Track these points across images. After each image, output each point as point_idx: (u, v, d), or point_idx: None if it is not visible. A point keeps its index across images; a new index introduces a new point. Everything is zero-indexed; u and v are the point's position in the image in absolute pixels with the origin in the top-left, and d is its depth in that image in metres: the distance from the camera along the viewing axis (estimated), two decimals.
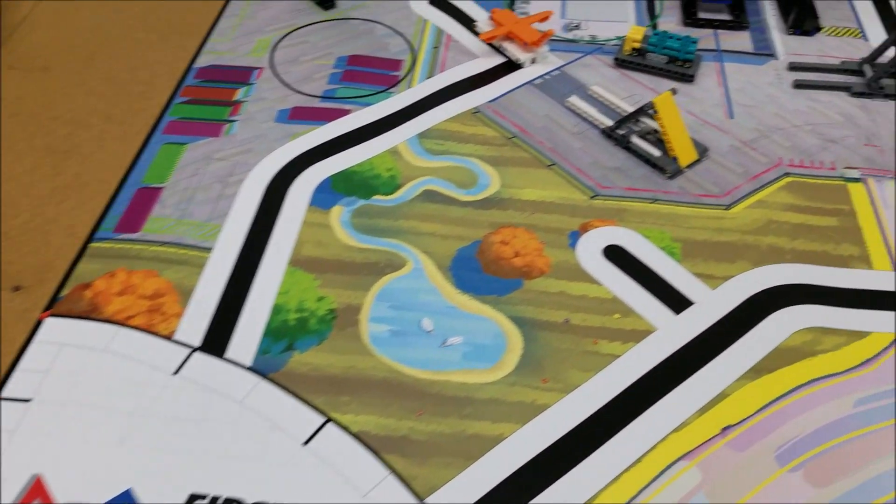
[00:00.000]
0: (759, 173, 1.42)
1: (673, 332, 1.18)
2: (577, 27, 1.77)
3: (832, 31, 1.74)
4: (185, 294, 1.21)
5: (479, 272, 1.26)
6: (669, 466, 1.03)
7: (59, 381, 1.10)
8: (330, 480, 1.01)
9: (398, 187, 1.39)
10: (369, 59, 1.68)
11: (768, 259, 1.28)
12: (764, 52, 1.69)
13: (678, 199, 1.38)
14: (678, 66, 1.61)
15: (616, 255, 1.29)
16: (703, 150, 1.45)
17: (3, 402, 1.07)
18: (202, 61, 1.66)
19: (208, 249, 1.28)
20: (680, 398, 1.10)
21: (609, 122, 1.50)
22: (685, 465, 1.03)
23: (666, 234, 1.32)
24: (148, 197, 1.37)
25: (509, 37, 1.66)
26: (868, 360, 1.15)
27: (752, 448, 1.05)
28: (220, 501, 0.98)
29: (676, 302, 1.22)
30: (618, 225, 1.34)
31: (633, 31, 1.63)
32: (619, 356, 1.15)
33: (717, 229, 1.33)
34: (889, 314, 1.20)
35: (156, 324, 1.17)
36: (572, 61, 1.68)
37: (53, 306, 1.19)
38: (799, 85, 1.59)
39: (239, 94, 1.59)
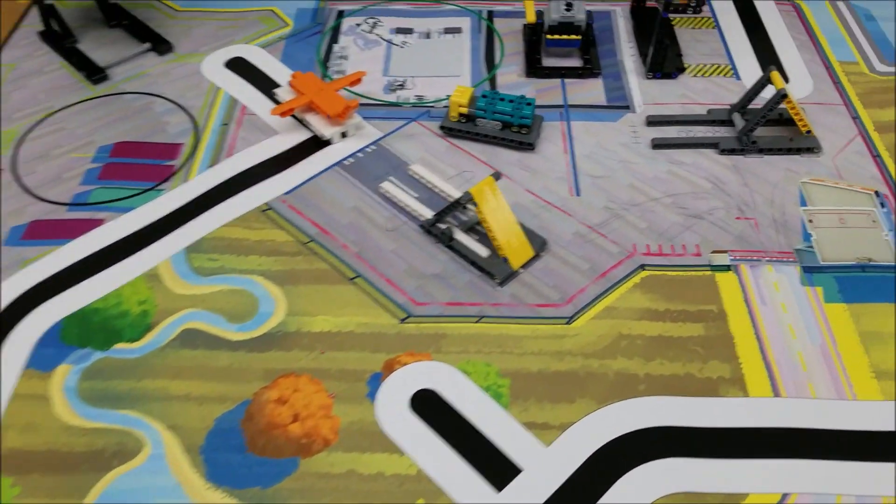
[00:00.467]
0: (608, 269, 1.15)
1: None
2: (401, 86, 1.48)
3: (699, 71, 1.49)
4: None
5: (241, 451, 0.95)
6: None
7: None
8: None
9: (149, 329, 1.07)
10: (139, 147, 1.35)
11: (618, 392, 1.00)
12: (618, 103, 1.42)
13: (509, 315, 1.10)
14: (514, 132, 1.33)
15: (427, 404, 1.00)
16: (540, 244, 1.17)
17: None
18: None
19: None
20: None
21: (428, 214, 1.22)
22: None
23: (492, 367, 1.04)
24: None
25: (312, 108, 1.37)
26: None
27: None
28: None
29: (500, 471, 0.93)
30: (433, 359, 1.05)
31: (457, 93, 1.34)
32: None
33: (556, 354, 1.05)
34: (775, 464, 0.94)
35: None
36: (393, 131, 1.38)
37: None
38: (658, 145, 1.33)
39: None
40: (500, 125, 1.32)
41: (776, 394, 1.00)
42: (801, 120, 1.29)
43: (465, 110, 1.32)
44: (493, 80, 1.48)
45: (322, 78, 1.47)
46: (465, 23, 1.61)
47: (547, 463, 0.94)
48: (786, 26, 1.60)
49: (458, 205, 1.18)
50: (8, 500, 0.90)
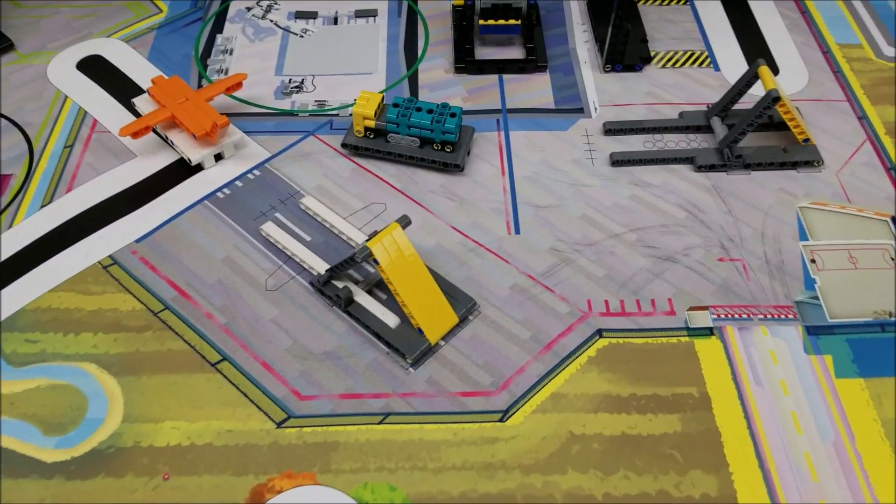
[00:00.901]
0: (555, 338, 0.88)
1: None
2: (298, 88, 1.18)
3: (668, 61, 1.21)
4: None
5: None
6: None
7: None
8: None
9: None
10: None
11: None
12: (569, 105, 1.14)
13: (424, 411, 0.82)
14: (436, 150, 1.05)
15: None
16: (468, 306, 0.90)
17: None
18: None
19: None
20: None
21: (321, 269, 0.94)
22: None
23: (397, 493, 0.77)
24: None
25: (177, 122, 1.07)
26: None
27: None
28: None
29: None
30: (319, 481, 0.78)
31: (361, 101, 1.03)
32: None
33: (485, 468, 0.78)
34: None
35: None
36: (284, 150, 1.10)
37: None
38: (619, 161, 1.06)
39: None
40: (417, 141, 1.04)
41: None
42: (797, 126, 1.02)
43: (371, 123, 1.03)
44: (414, 78, 1.19)
45: (199, 80, 1.17)
46: (381, 3, 1.31)
47: None
48: (773, 1, 1.33)
49: (362, 252, 0.90)
50: None
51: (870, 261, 0.93)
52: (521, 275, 0.93)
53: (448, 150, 1.03)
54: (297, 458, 0.78)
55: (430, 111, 1.01)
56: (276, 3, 1.29)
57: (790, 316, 0.88)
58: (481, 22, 1.17)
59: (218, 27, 1.26)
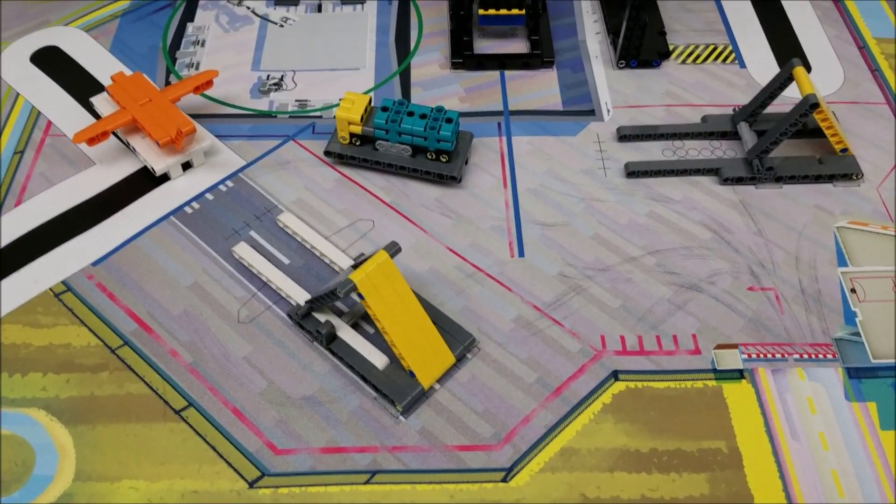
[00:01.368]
0: (564, 381, 0.78)
1: None
2: (277, 85, 1.07)
3: (689, 56, 1.09)
4: None
5: None
6: None
7: None
8: None
9: None
10: None
11: None
12: (578, 107, 1.02)
13: (416, 468, 0.73)
14: (430, 160, 0.94)
15: None
16: (465, 343, 0.79)
17: None
18: None
19: None
20: None
21: (300, 298, 0.84)
22: None
23: None
24: None
25: (138, 126, 0.96)
26: None
27: None
28: None
29: None
30: None
31: (346, 104, 0.91)
32: None
33: None
34: None
35: None
36: (260, 157, 0.99)
37: None
38: (633, 173, 0.96)
39: None
40: (409, 149, 0.93)
41: None
42: (834, 135, 0.92)
43: (357, 129, 0.92)
44: (406, 75, 1.07)
45: (167, 75, 1.05)
46: None
47: None
48: None
49: (336, 296, 0.79)
50: None
51: None
52: (526, 305, 0.83)
53: (443, 159, 0.91)
54: None
55: (423, 116, 0.90)
56: None
57: (829, 356, 0.78)
58: (481, 11, 1.05)
59: (189, 15, 1.13)
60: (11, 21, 1.13)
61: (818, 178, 0.92)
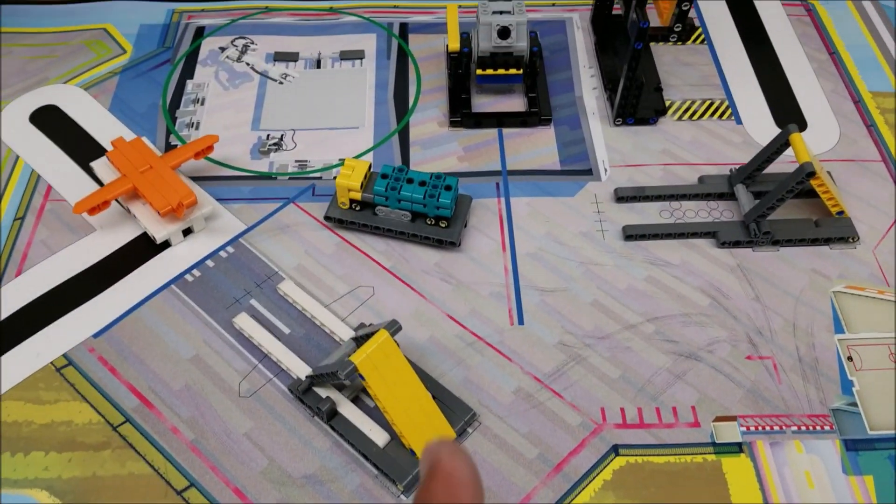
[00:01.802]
0: (565, 457, 0.78)
1: None
2: (277, 145, 1.07)
3: (685, 111, 1.10)
4: None
5: None
6: None
7: None
8: None
9: None
10: None
11: None
12: (576, 166, 1.03)
13: None
14: (429, 225, 0.95)
15: None
16: (466, 418, 0.79)
17: None
18: None
19: None
20: None
21: (301, 372, 0.84)
22: None
23: None
24: None
25: (139, 194, 0.96)
26: None
27: None
28: None
29: None
30: None
31: (346, 171, 0.92)
32: None
33: None
34: None
35: None
36: (260, 222, 0.99)
37: None
38: (632, 236, 0.96)
39: None
40: (409, 214, 0.94)
41: None
42: (831, 199, 0.92)
43: (357, 196, 0.93)
44: (405, 133, 1.08)
45: (167, 135, 1.05)
46: (369, 42, 1.19)
47: None
48: (798, 40, 1.20)
49: (337, 377, 0.79)
50: None
51: None
52: (526, 375, 0.83)
53: (443, 224, 0.92)
54: None
55: (422, 183, 0.90)
56: (252, 43, 1.18)
57: (826, 427, 0.79)
58: (479, 72, 1.06)
59: (188, 71, 1.14)
60: (11, 77, 1.14)
61: (814, 241, 0.93)
